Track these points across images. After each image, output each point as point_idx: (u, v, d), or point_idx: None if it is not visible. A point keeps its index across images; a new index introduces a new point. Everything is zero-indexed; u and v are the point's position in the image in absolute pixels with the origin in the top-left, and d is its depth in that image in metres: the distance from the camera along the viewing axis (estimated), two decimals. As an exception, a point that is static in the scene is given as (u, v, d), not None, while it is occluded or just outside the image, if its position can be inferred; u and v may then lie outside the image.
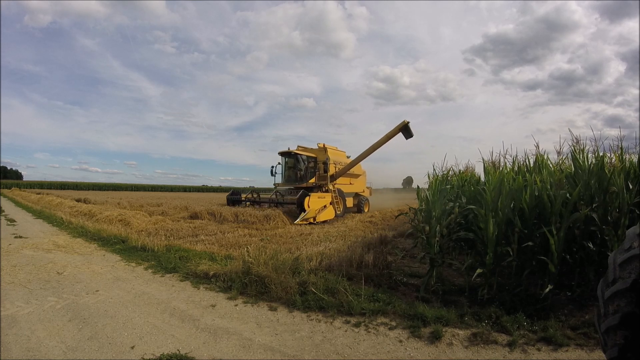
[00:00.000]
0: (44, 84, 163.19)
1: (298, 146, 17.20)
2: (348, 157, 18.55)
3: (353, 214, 16.47)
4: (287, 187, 16.09)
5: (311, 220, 12.43)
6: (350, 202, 17.46)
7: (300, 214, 12.29)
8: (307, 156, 16.25)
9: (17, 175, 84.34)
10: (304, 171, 16.02)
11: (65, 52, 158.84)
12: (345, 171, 16.25)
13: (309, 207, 12.41)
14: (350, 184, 17.87)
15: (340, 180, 16.44)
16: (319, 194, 14.06)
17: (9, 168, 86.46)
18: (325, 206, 13.60)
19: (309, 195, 12.69)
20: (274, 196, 15.10)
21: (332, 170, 15.70)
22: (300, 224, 11.64)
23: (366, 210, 18.23)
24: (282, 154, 16.66)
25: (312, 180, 15.50)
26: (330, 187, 15.06)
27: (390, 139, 15.05)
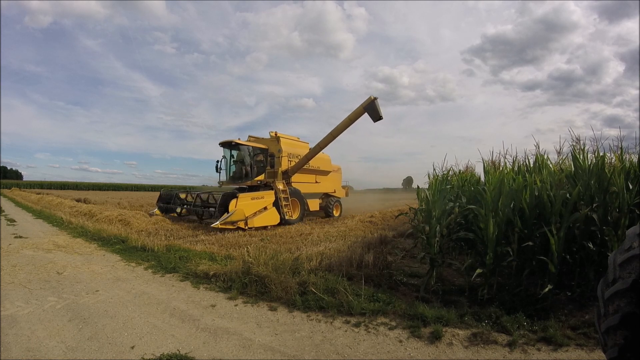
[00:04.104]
0: (46, 84, 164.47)
1: (249, 136, 14.25)
2: None
3: (353, 215, 15.18)
4: (233, 186, 13.67)
5: (241, 225, 10.12)
6: (315, 204, 14.59)
7: (221, 215, 10.30)
8: (253, 147, 13.02)
9: (17, 175, 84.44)
10: (250, 166, 12.85)
11: (67, 53, 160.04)
12: (301, 166, 13.19)
13: (235, 208, 10.16)
14: (316, 182, 14.87)
15: (300, 177, 13.76)
16: (255, 193, 11.28)
17: (9, 168, 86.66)
18: (265, 207, 11.18)
19: (237, 197, 10.34)
20: (200, 197, 12.44)
21: (285, 164, 13.10)
22: (222, 228, 9.63)
23: (336, 214, 15.22)
24: (223, 144, 13.20)
25: (261, 177, 12.71)
26: (280, 185, 12.24)
27: (353, 121, 12.32)
